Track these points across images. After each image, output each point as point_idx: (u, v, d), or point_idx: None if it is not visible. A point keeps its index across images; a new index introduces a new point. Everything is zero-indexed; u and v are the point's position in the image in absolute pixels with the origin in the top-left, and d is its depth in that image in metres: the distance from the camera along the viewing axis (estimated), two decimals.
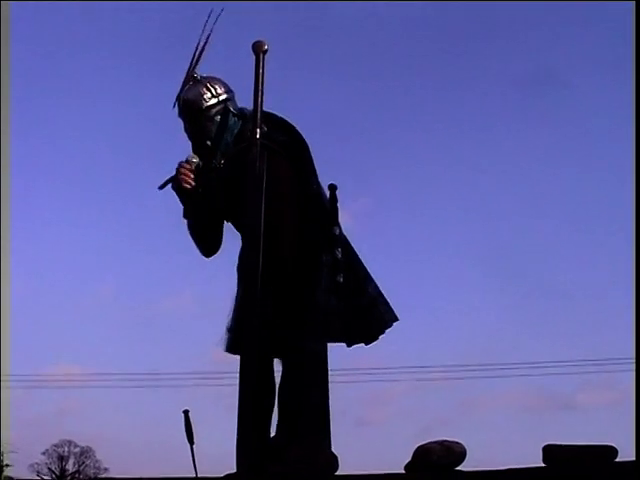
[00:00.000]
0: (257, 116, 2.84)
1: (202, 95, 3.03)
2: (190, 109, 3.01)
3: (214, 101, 3.03)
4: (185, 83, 3.08)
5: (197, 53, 3.08)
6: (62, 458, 33.52)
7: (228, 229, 3.08)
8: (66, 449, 33.61)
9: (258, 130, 2.80)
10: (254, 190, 2.74)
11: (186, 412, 2.87)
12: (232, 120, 3.04)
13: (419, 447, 2.64)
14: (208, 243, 3.08)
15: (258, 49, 2.97)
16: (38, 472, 32.07)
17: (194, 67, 3.09)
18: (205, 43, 3.06)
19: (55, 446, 33.34)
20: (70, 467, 33.31)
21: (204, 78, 3.07)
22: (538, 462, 2.55)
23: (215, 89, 3.05)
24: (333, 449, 2.90)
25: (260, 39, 3.03)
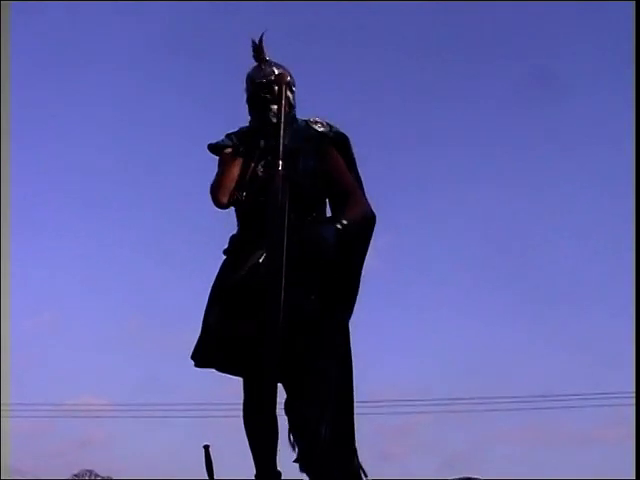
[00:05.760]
0: (280, 148, 2.83)
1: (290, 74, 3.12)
2: (282, 80, 3.01)
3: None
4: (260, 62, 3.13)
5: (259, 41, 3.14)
6: None
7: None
8: (87, 478, 33.53)
9: (280, 162, 2.79)
10: (276, 223, 2.71)
11: (206, 447, 2.83)
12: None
13: None
14: None
15: (281, 81, 2.98)
16: None
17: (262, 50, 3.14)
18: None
19: (75, 475, 33.28)
20: None
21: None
22: None
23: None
24: None
25: (282, 71, 3.04)
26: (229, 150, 3.07)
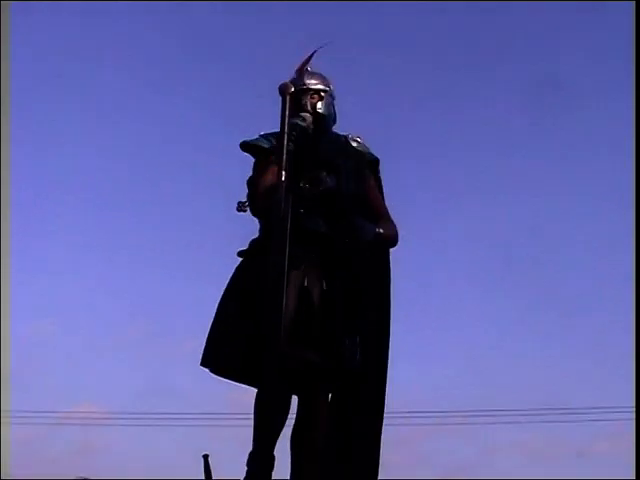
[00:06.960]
0: (283, 158, 2.84)
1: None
2: (286, 90, 2.95)
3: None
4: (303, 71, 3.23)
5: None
6: None
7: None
8: None
9: (284, 172, 2.80)
10: (279, 232, 2.73)
11: (205, 457, 2.83)
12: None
13: None
14: None
15: (285, 91, 2.98)
16: None
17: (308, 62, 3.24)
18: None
19: None
20: None
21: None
22: None
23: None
24: None
25: (286, 81, 3.04)
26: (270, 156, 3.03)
